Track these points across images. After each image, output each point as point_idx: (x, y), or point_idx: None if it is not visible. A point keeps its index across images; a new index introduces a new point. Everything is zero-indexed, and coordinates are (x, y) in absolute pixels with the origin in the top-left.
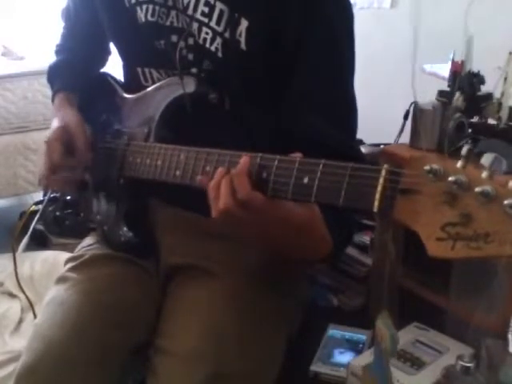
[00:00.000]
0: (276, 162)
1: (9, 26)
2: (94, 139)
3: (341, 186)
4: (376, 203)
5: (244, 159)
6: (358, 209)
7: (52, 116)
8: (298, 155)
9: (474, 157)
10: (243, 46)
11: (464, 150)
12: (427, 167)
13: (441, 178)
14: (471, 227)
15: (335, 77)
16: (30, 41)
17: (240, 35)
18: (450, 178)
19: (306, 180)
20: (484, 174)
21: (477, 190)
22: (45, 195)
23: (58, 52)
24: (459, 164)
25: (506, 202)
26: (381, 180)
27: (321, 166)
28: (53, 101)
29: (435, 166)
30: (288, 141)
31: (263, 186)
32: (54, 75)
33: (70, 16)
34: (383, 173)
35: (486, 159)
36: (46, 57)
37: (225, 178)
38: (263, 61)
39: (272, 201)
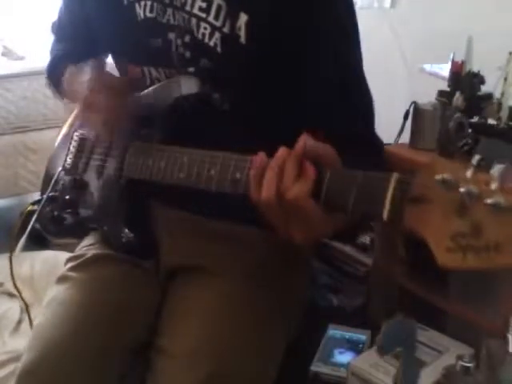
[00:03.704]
0: None
1: (9, 26)
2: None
3: (350, 195)
4: (386, 212)
5: (302, 137)
6: (367, 217)
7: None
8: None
9: (483, 165)
10: (243, 40)
11: (474, 160)
12: (438, 177)
13: (451, 188)
14: (482, 238)
15: (347, 73)
16: (30, 41)
17: (239, 29)
18: (461, 189)
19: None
20: (494, 185)
21: (488, 201)
22: (42, 195)
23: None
24: (469, 173)
25: None
26: (391, 189)
27: (328, 173)
28: (60, 91)
29: (446, 176)
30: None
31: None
32: (55, 68)
33: (62, 28)
34: (393, 181)
35: (496, 169)
36: (46, 57)
37: (289, 159)
38: (263, 56)
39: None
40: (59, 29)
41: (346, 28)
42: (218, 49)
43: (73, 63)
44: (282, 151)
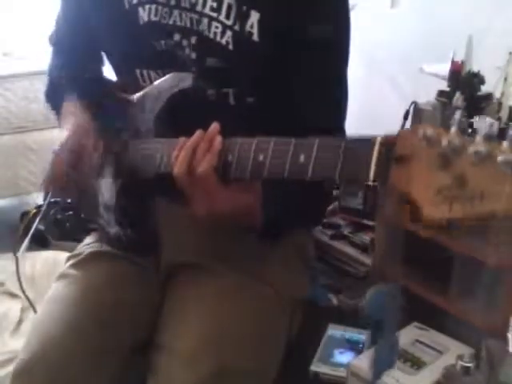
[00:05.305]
0: (272, 145)
1: (9, 26)
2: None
3: (336, 161)
4: (372, 173)
5: (214, 125)
6: (354, 180)
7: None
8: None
9: (466, 124)
10: (256, 37)
11: (456, 117)
12: (421, 133)
13: (434, 144)
14: (466, 188)
15: (330, 69)
16: (30, 41)
17: (252, 27)
18: (443, 142)
19: (301, 159)
20: (477, 137)
21: (470, 150)
22: (45, 198)
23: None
24: (453, 130)
25: (499, 158)
26: (375, 149)
27: (315, 145)
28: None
29: (429, 132)
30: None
31: (260, 168)
32: (54, 93)
33: (60, 39)
34: (377, 142)
35: (480, 122)
36: (47, 57)
37: (203, 139)
38: (276, 53)
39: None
40: (57, 40)
41: (338, 27)
42: (230, 46)
43: (70, 87)
44: (197, 133)
